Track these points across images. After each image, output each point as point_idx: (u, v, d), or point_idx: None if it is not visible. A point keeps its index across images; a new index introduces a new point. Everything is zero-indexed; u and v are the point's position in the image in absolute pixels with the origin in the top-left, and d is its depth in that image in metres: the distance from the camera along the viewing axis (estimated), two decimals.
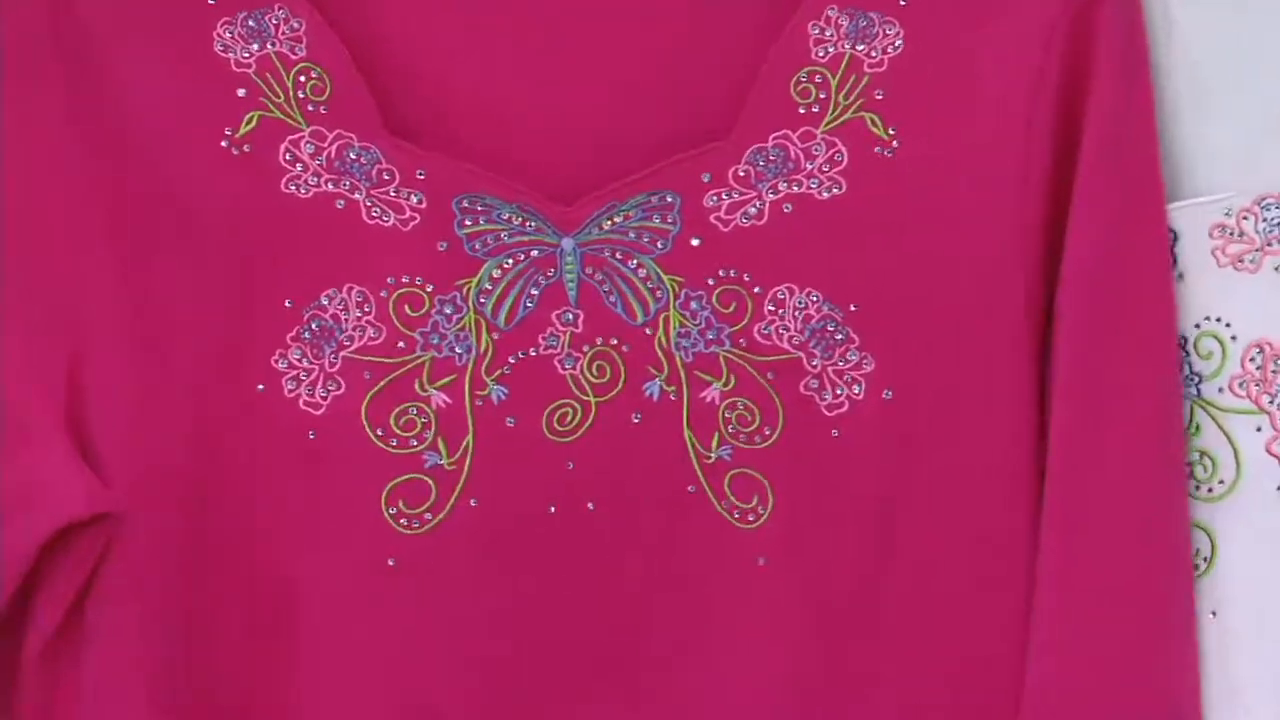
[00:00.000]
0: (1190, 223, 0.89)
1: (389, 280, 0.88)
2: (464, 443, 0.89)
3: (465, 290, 0.88)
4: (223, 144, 0.87)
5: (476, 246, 0.88)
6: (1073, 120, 0.87)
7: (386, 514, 0.88)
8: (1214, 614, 0.88)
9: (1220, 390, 0.88)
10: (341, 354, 0.88)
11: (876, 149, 0.88)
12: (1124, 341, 0.86)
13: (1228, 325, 0.88)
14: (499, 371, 0.88)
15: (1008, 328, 0.88)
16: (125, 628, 0.87)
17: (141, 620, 0.87)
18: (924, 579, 0.89)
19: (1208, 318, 0.89)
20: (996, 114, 0.87)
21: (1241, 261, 0.88)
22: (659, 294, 0.88)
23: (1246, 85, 0.89)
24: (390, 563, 0.88)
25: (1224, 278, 0.88)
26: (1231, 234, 0.88)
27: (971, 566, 0.89)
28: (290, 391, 0.88)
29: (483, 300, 0.88)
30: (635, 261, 0.88)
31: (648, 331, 0.88)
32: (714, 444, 0.88)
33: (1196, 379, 0.89)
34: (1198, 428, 0.89)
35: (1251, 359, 0.88)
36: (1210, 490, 0.88)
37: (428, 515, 0.88)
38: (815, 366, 0.89)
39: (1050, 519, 0.87)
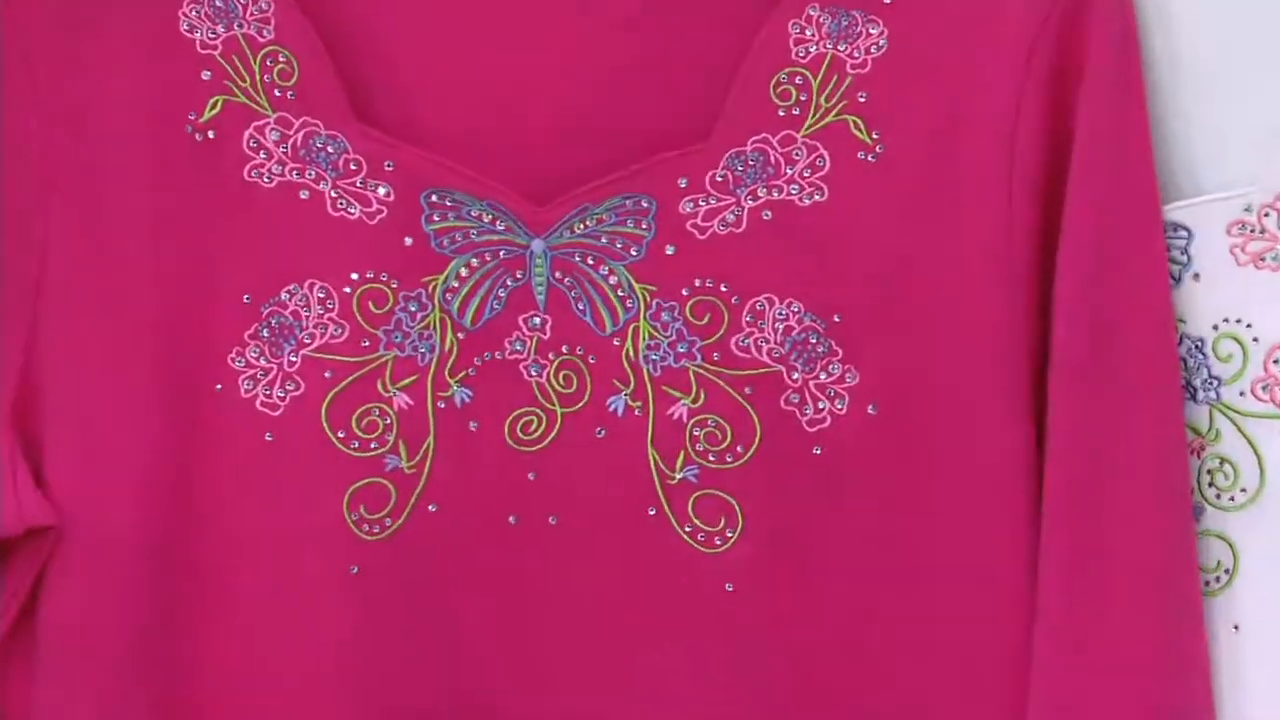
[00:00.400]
0: (1205, 220, 0.85)
1: (353, 276, 0.85)
2: (424, 446, 0.86)
3: (431, 287, 0.85)
4: (186, 129, 0.85)
5: (444, 243, 0.85)
6: (1063, 121, 0.84)
7: (349, 519, 0.85)
8: (1236, 628, 0.85)
9: (1242, 394, 0.85)
10: (301, 352, 0.85)
11: (860, 154, 0.84)
12: (1122, 348, 0.83)
13: (1249, 326, 0.85)
14: (463, 373, 0.86)
15: (998, 339, 0.84)
16: (74, 634, 0.85)
17: (90, 627, 0.85)
18: (913, 606, 0.85)
19: (1226, 319, 0.85)
20: (984, 117, 0.84)
21: (1263, 260, 0.85)
22: (629, 304, 0.85)
23: (1262, 76, 0.87)
24: (353, 570, 0.85)
25: (1244, 277, 0.85)
26: (1252, 231, 0.85)
27: (966, 594, 0.85)
28: (247, 392, 0.86)
29: (449, 298, 0.85)
30: (606, 268, 0.85)
31: (615, 343, 0.85)
32: (679, 464, 0.85)
33: (1215, 383, 0.86)
34: (1218, 433, 0.86)
35: (1276, 361, 0.85)
36: (1232, 499, 0.85)
37: (388, 520, 0.86)
38: (796, 380, 0.85)
39: (1050, 537, 0.83)
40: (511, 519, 0.86)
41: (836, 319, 0.85)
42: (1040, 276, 0.84)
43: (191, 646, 0.86)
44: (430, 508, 0.86)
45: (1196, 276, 0.86)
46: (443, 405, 0.85)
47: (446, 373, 0.86)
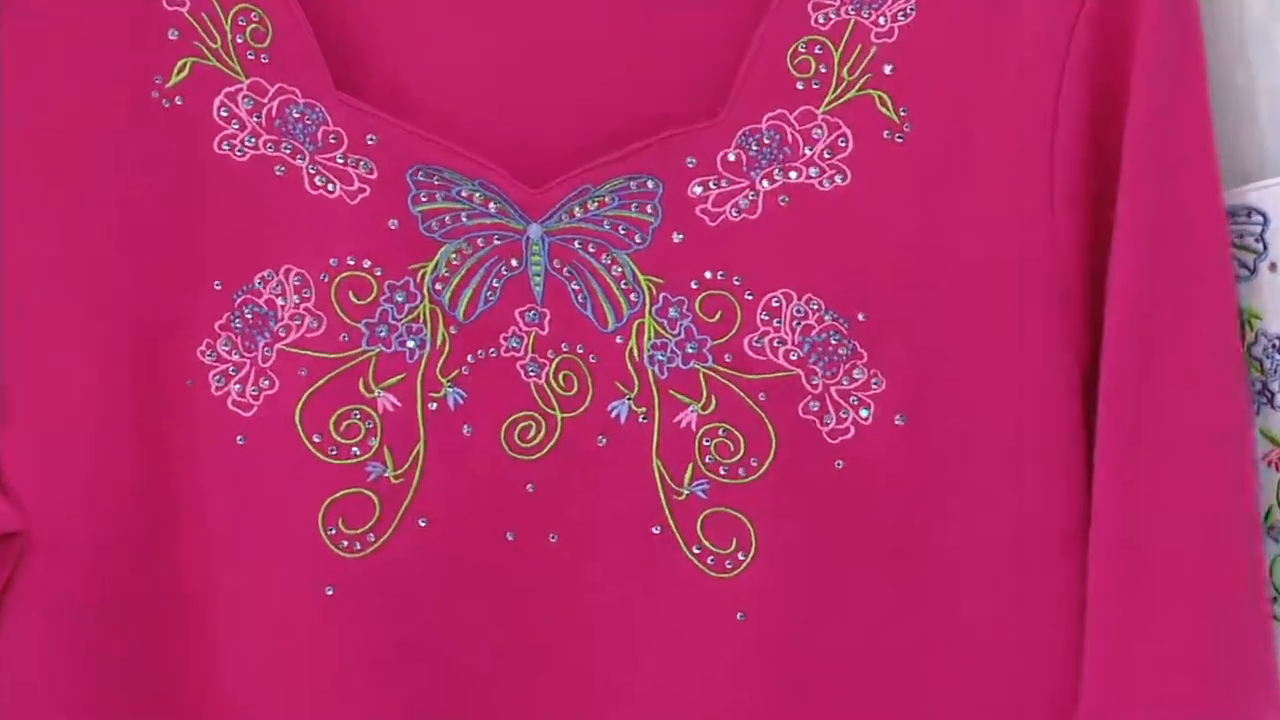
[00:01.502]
0: None
1: (331, 262, 0.79)
2: (414, 453, 0.80)
3: (419, 276, 0.79)
4: (153, 94, 0.79)
5: (433, 226, 0.79)
6: (1112, 99, 0.76)
7: (324, 534, 0.79)
8: None
9: None
10: (277, 346, 0.80)
11: (886, 133, 0.77)
12: (1181, 353, 0.76)
13: None
14: (456, 372, 0.79)
15: (1039, 341, 0.78)
16: (36, 639, 0.80)
17: (53, 632, 0.80)
18: (942, 641, 0.79)
19: None
20: (1022, 93, 0.77)
21: None
22: (633, 297, 0.79)
23: None
24: (328, 591, 0.79)
25: None
26: None
27: (1002, 630, 0.79)
28: (218, 389, 0.81)
29: (439, 288, 0.79)
30: (609, 257, 0.78)
31: (618, 340, 0.79)
32: (687, 478, 0.79)
33: None
34: None
35: None
36: None
37: (370, 536, 0.80)
38: (816, 386, 0.78)
39: (1102, 543, 0.77)
40: (509, 536, 0.80)
41: (861, 318, 0.78)
42: (1087, 275, 0.78)
43: (161, 662, 0.82)
44: (420, 522, 0.79)
45: (1274, 266, 0.80)
46: (434, 407, 0.79)
47: (438, 371, 0.80)
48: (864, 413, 0.78)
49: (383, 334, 0.79)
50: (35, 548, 0.80)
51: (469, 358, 0.79)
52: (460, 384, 0.79)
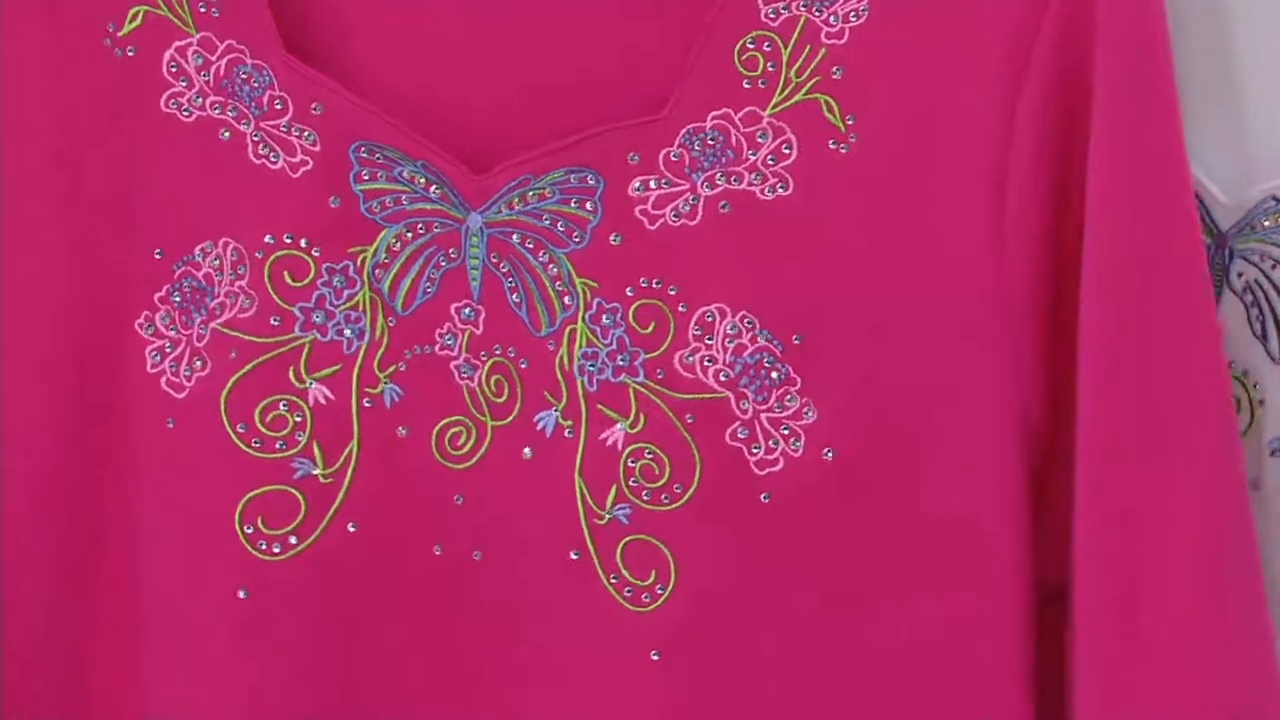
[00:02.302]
0: None
1: (267, 239, 0.74)
2: (346, 451, 0.74)
3: (360, 260, 0.74)
4: (105, 41, 0.74)
5: (374, 208, 0.73)
6: (1073, 118, 0.71)
7: (241, 533, 0.74)
8: None
9: None
10: (211, 325, 0.74)
11: (831, 143, 0.72)
12: (1164, 366, 0.72)
13: None
14: (393, 367, 0.74)
15: (984, 381, 0.73)
16: None
17: None
18: (872, 686, 0.74)
19: None
20: (975, 105, 0.71)
21: None
22: (567, 300, 0.73)
23: None
24: (240, 594, 0.74)
25: None
26: None
27: (936, 672, 0.74)
28: (154, 366, 0.76)
29: (378, 274, 0.73)
30: (546, 255, 0.73)
31: (550, 346, 0.73)
32: (609, 500, 0.73)
33: None
34: None
35: None
36: None
37: (292, 539, 0.74)
38: (745, 411, 0.73)
39: (1085, 558, 0.72)
40: (436, 549, 0.75)
41: (796, 340, 0.72)
42: (1042, 308, 0.73)
43: (87, 650, 0.78)
44: (349, 527, 0.74)
45: None
46: (369, 404, 0.74)
47: (375, 365, 0.74)
48: (795, 444, 0.73)
49: (318, 320, 0.74)
50: None
51: (405, 353, 0.74)
52: (397, 380, 0.74)
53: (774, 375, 0.72)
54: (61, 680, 0.78)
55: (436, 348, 0.73)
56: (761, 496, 0.73)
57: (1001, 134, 0.70)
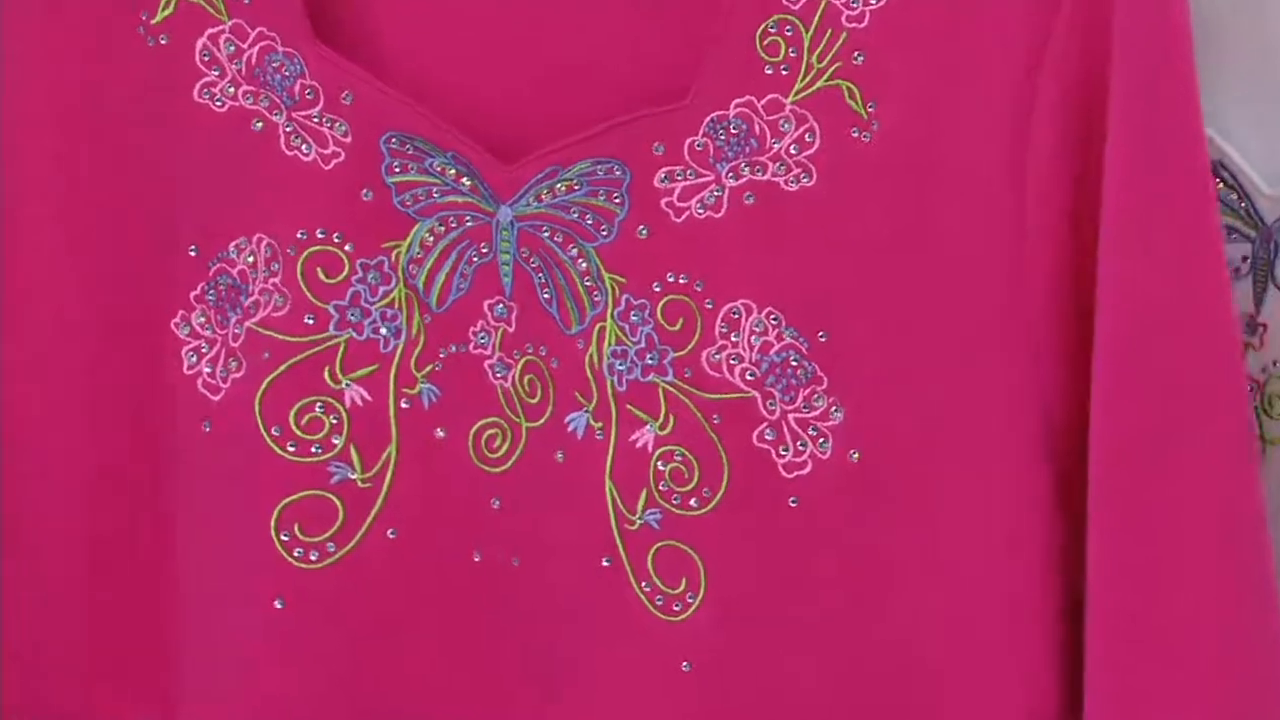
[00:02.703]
0: None
1: (299, 234, 0.72)
2: (384, 454, 0.72)
3: (394, 256, 0.71)
4: (139, 29, 0.72)
5: (406, 201, 0.71)
6: (1094, 92, 0.69)
7: (277, 540, 0.72)
8: None
9: None
10: (246, 324, 0.72)
11: (853, 131, 0.70)
12: (1179, 367, 0.69)
13: None
14: (430, 366, 0.72)
15: (1013, 375, 0.71)
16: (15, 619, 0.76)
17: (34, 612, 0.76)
18: (902, 695, 0.72)
19: None
20: (994, 94, 0.69)
21: None
22: (596, 296, 0.71)
23: None
24: (277, 604, 0.72)
25: None
26: None
27: (966, 676, 0.72)
28: (190, 367, 0.74)
29: (413, 270, 0.71)
30: (575, 249, 0.71)
31: (579, 345, 0.71)
32: (640, 505, 0.71)
33: None
34: None
35: None
36: None
37: (331, 546, 0.72)
38: (773, 411, 0.71)
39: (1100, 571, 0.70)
40: (476, 556, 0.73)
41: (821, 338, 0.71)
42: (1065, 302, 0.71)
43: (116, 653, 0.77)
44: (389, 533, 0.72)
45: None
46: (406, 405, 0.72)
47: (413, 364, 0.72)
48: (822, 446, 0.71)
49: (354, 318, 0.71)
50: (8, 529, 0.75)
51: (441, 352, 0.72)
52: (434, 380, 0.72)
53: (800, 374, 0.70)
54: (86, 684, 0.76)
55: (471, 346, 0.71)
56: (790, 501, 0.71)
57: (1021, 123, 0.68)
